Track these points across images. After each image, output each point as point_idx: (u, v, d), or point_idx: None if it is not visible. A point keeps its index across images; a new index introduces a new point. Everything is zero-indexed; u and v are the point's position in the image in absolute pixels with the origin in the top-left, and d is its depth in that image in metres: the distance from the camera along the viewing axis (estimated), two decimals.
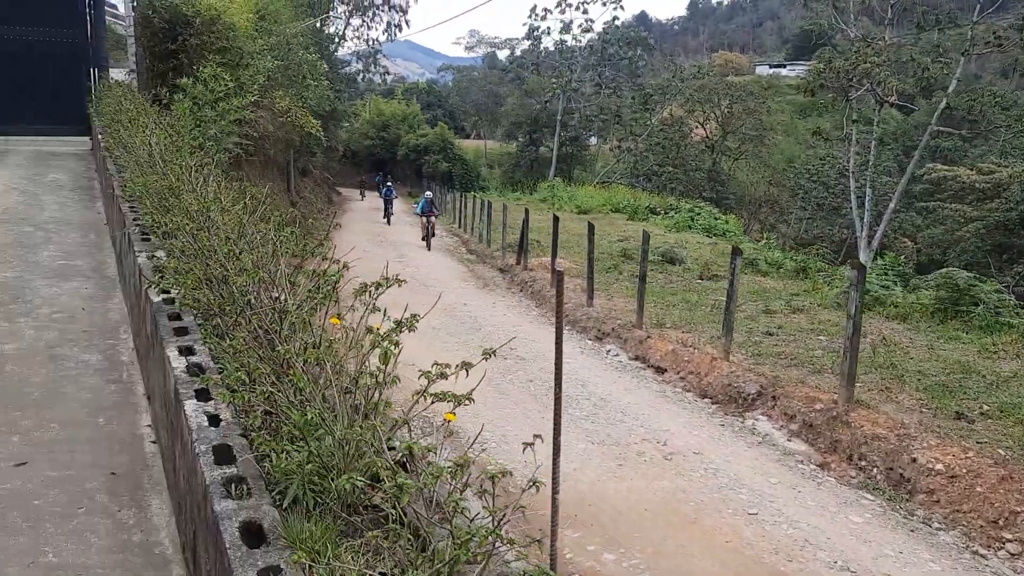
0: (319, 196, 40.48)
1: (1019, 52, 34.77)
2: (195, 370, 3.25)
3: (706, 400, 9.05)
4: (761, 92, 60.54)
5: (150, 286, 3.95)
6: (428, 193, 25.60)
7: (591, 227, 14.19)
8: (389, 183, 37.20)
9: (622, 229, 27.49)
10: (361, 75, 56.59)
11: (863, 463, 6.91)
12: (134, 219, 5.18)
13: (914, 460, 6.46)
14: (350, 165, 63.93)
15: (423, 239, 23.80)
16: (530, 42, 58.07)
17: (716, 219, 34.65)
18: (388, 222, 31.61)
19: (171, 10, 11.25)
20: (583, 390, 8.76)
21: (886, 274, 16.58)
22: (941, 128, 35.33)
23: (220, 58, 11.96)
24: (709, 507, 6.00)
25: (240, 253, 3.71)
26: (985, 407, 7.60)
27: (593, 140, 64.59)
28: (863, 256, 36.85)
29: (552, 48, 58.09)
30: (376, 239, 26.26)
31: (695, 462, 6.69)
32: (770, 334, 11.43)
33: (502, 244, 20.99)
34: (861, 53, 33.23)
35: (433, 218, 24.00)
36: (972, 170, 40.85)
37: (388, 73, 53.67)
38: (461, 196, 32.48)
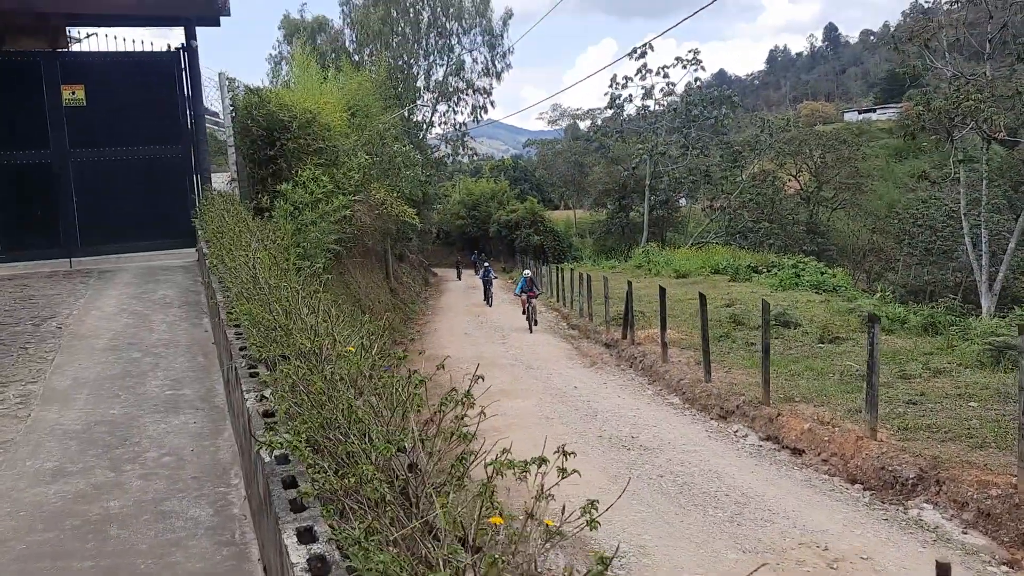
0: (416, 280, 41.00)
1: None
2: (317, 566, 2.80)
3: (857, 486, 8.19)
4: (853, 139, 58.92)
5: (260, 447, 3.59)
6: (527, 272, 24.48)
7: (703, 298, 13.53)
8: (487, 263, 36.13)
9: (725, 292, 26.56)
10: (450, 158, 57.84)
11: None
12: (240, 347, 4.91)
13: None
14: (443, 245, 65.05)
15: (524, 314, 22.90)
16: (613, 111, 58.29)
17: (823, 274, 33.24)
18: (489, 304, 30.50)
19: (268, 118, 11.45)
20: (720, 484, 8.05)
21: None
22: None
23: (317, 159, 12.11)
24: None
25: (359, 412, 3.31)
26: None
27: (683, 202, 63.84)
28: (985, 301, 34.69)
29: (634, 114, 58.15)
30: (477, 321, 26.10)
31: (865, 571, 5.90)
32: (913, 403, 10.46)
33: (605, 318, 20.44)
34: (963, 91, 31.85)
35: (535, 300, 23.16)
36: None
37: (476, 154, 54.60)
38: (557, 269, 32.11)
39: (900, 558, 6.12)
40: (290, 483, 3.26)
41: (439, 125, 55.38)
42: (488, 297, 30.80)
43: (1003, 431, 8.64)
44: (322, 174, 9.83)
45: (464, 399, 3.54)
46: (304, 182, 9.52)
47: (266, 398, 4.08)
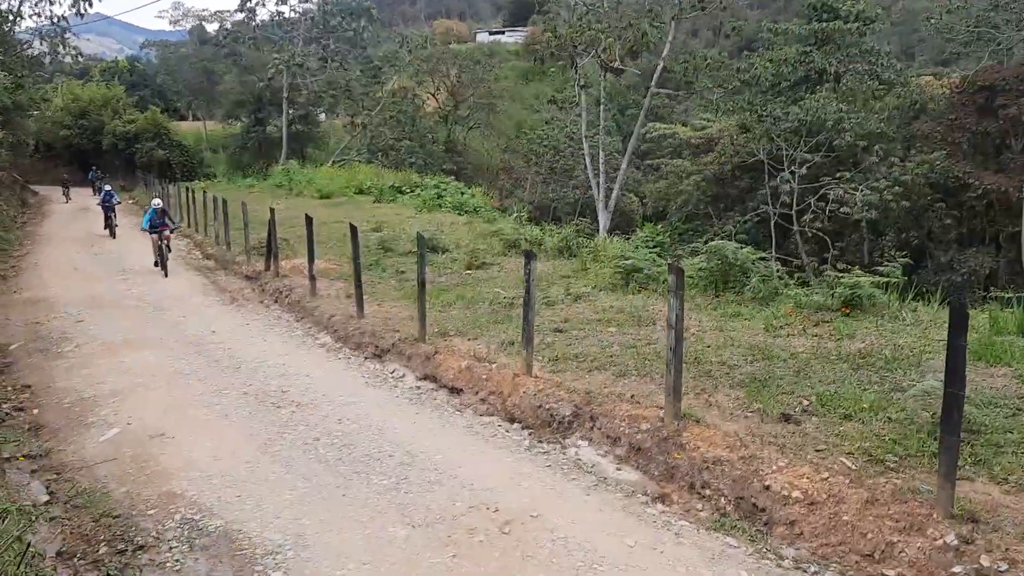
0: (10, 202, 34.78)
1: (720, 13, 37.55)
2: None
3: (516, 426, 8.10)
4: (486, 59, 61.12)
5: None
6: (157, 201, 20.00)
7: (354, 230, 12.69)
8: (108, 186, 29.92)
9: (371, 214, 26.06)
10: (47, 56, 49.36)
11: (707, 491, 6.30)
12: None
13: (767, 488, 5.91)
14: (45, 159, 56.15)
15: (156, 263, 18.55)
16: (244, 14, 53.92)
17: (463, 194, 34.20)
18: (112, 235, 26.06)
19: None
20: (382, 442, 7.42)
21: (648, 245, 16.75)
22: (660, 90, 37.27)
23: None
24: None
25: None
26: (804, 401, 7.33)
27: (323, 116, 61.85)
28: (602, 218, 38.37)
29: (269, 20, 54.42)
30: (91, 253, 22.63)
31: (537, 531, 5.66)
32: (559, 331, 10.76)
33: (245, 247, 18.75)
34: (585, 20, 34.08)
35: (168, 232, 18.88)
36: (686, 127, 43.96)
37: (81, 54, 47.13)
38: (187, 190, 29.07)
39: (569, 511, 6.01)
40: None
41: (30, 17, 46.85)
42: (111, 226, 26.27)
43: (642, 358, 9.10)
44: None
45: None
46: None
47: None
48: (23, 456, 7.22)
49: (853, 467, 5.91)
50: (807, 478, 5.82)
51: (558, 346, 9.94)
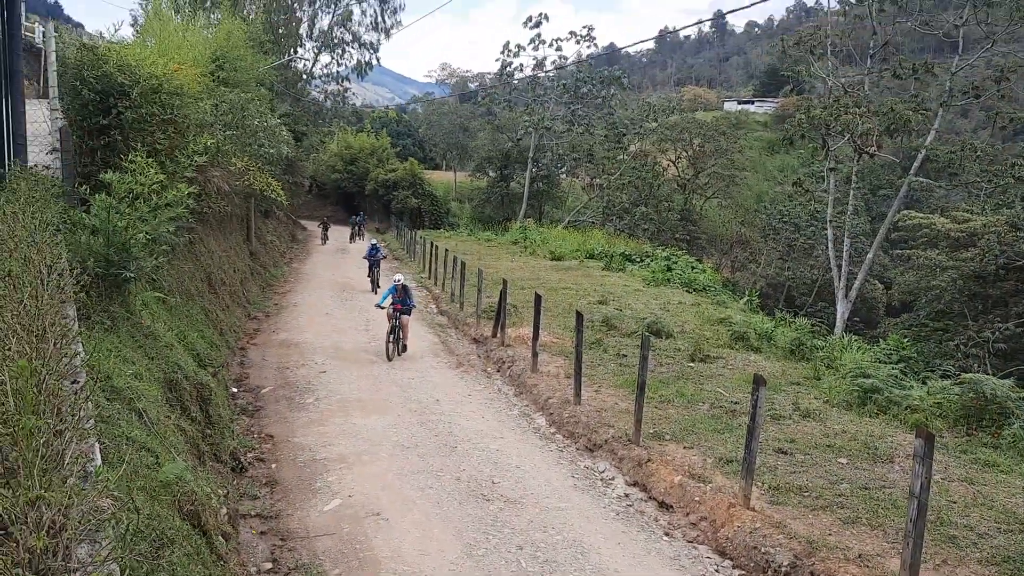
0: (282, 237, 38.80)
1: (996, 101, 34.45)
2: None
3: (727, 563, 7.67)
4: (731, 131, 60.18)
5: None
6: (399, 277, 17.12)
7: (580, 317, 12.78)
8: (375, 240, 29.43)
9: (599, 283, 26.27)
10: (329, 113, 55.04)
11: None
12: None
13: None
14: (317, 198, 62.36)
15: (387, 348, 16.09)
16: (503, 77, 57.11)
17: (693, 268, 33.60)
18: (374, 289, 25.04)
19: (102, 80, 9.72)
20: (584, 563, 7.28)
21: (892, 359, 15.42)
22: (919, 179, 34.77)
23: (163, 133, 10.49)
24: None
25: None
26: None
27: (564, 176, 63.69)
28: (840, 307, 36.10)
29: (524, 84, 57.20)
30: (341, 297, 24.43)
31: None
32: (783, 452, 10.14)
33: (476, 310, 19.54)
34: (841, 102, 32.63)
35: (405, 316, 16.36)
36: (945, 218, 40.50)
37: (356, 109, 52.12)
38: (431, 244, 30.85)
39: None
40: None
41: (320, 78, 52.56)
42: (374, 279, 25.51)
43: (874, 503, 8.34)
44: (153, 163, 8.32)
45: None
46: (133, 171, 8.04)
47: None
48: (257, 515, 7.85)
49: None
50: None
51: (780, 472, 9.35)
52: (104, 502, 3.07)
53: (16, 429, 2.86)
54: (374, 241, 28.79)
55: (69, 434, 3.21)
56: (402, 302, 16.30)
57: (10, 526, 2.48)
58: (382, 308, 16.56)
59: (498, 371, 15.61)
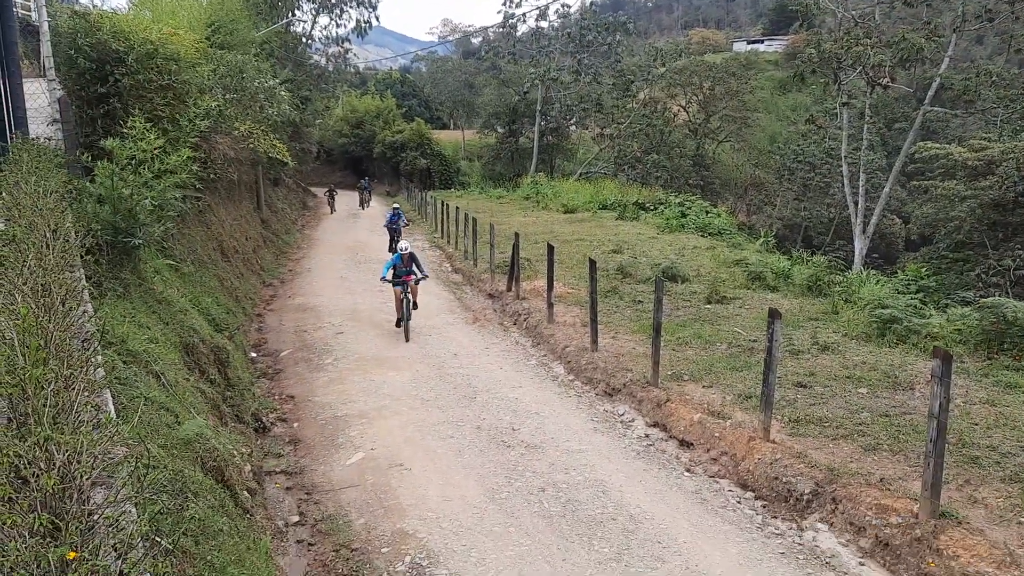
0: (293, 204, 38.79)
1: (1011, 24, 33.56)
2: None
3: (749, 494, 7.70)
4: (741, 71, 59.11)
5: None
6: (404, 244, 15.38)
7: (592, 264, 12.73)
8: (397, 205, 26.95)
9: (613, 232, 26.12)
10: (331, 76, 54.51)
11: None
12: None
13: None
14: (325, 164, 62.08)
15: (398, 322, 14.71)
16: (505, 30, 56.27)
17: (707, 213, 33.30)
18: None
19: (98, 48, 9.65)
20: (606, 502, 7.34)
21: (910, 289, 15.27)
22: (934, 109, 34.12)
23: (161, 97, 10.43)
24: None
25: None
26: None
27: (573, 128, 62.96)
28: (858, 244, 35.74)
29: (527, 36, 56.36)
30: (354, 260, 24.48)
31: None
32: (802, 386, 10.12)
33: (490, 265, 19.51)
34: (852, 34, 31.91)
35: (414, 283, 14.78)
36: (963, 147, 39.79)
37: (360, 72, 51.55)
38: (442, 204, 30.73)
39: None
40: None
41: (320, 40, 52.01)
42: (394, 246, 21.97)
43: (895, 430, 8.32)
44: (153, 128, 8.29)
45: None
46: (134, 137, 8.01)
47: None
48: (282, 471, 7.95)
49: None
50: None
51: (800, 405, 9.34)
52: (118, 450, 3.09)
53: (24, 378, 2.88)
54: (396, 206, 26.59)
55: (79, 384, 3.23)
56: (410, 272, 14.66)
57: (23, 470, 2.51)
58: (388, 281, 14.58)
59: (514, 324, 15.62)
